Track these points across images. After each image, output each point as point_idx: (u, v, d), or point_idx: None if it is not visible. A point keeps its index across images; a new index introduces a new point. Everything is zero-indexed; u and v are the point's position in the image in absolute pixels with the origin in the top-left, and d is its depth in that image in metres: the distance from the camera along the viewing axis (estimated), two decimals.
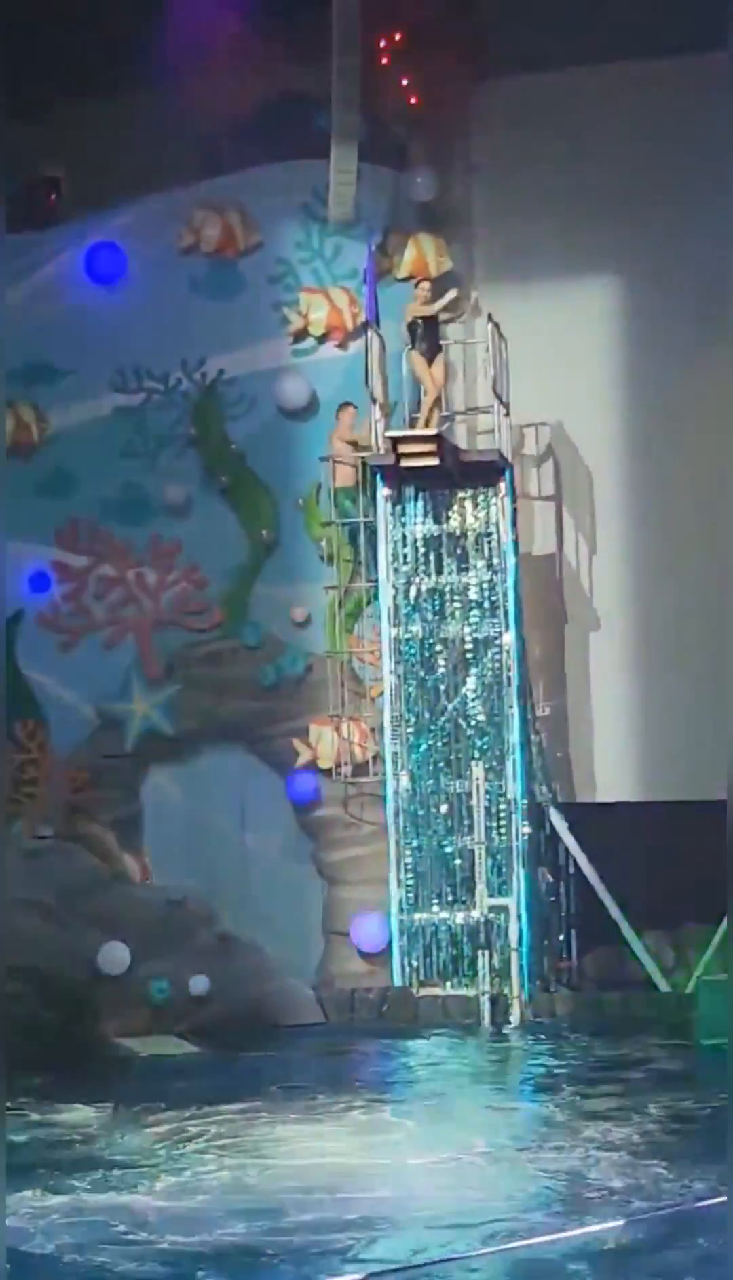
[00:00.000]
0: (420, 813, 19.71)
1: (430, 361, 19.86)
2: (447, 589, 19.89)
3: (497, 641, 19.73)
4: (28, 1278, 10.49)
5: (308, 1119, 14.56)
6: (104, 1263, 10.75)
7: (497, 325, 19.68)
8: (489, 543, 19.82)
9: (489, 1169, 12.81)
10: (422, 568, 19.87)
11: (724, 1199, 10.75)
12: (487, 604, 19.79)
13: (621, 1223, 10.95)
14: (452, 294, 20.09)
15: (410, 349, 19.93)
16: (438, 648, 19.86)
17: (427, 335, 19.85)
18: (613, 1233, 10.82)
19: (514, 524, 19.94)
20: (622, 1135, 13.52)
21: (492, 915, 19.23)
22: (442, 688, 19.83)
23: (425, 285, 19.93)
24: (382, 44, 20.46)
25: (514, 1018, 18.89)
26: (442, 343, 20.08)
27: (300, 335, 20.47)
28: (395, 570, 19.84)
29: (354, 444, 20.06)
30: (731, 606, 17.94)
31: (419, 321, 19.86)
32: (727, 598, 18.66)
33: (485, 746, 19.64)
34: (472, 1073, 16.78)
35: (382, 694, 19.90)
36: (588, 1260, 10.40)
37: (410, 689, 19.80)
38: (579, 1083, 15.73)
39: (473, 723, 19.75)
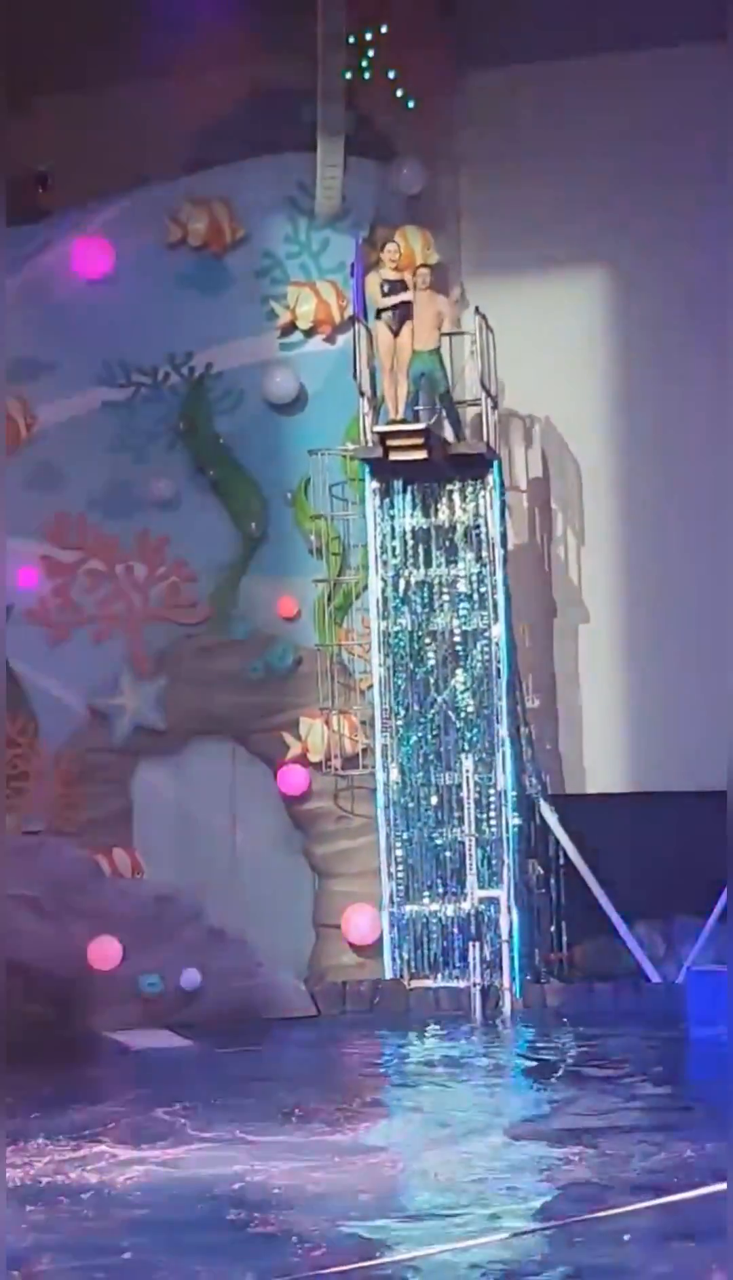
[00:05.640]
0: (411, 805, 19.71)
1: (396, 331, 19.42)
2: (436, 581, 19.87)
3: (486, 634, 19.70)
4: None
5: None
6: None
7: (484, 318, 19.65)
8: (478, 535, 19.79)
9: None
10: (410, 560, 19.86)
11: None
12: (476, 596, 19.76)
13: None
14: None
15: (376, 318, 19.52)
16: (427, 640, 19.84)
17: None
18: None
19: (503, 516, 19.92)
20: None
21: (482, 907, 19.22)
22: (431, 680, 19.81)
23: (391, 248, 19.69)
24: (368, 37, 20.39)
25: (505, 1009, 18.91)
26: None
27: (288, 329, 20.42)
28: (384, 563, 19.83)
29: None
30: (725, 598, 17.95)
31: (385, 286, 19.46)
32: (719, 588, 18.68)
33: (475, 739, 19.63)
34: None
35: (371, 687, 19.89)
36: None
37: (400, 681, 19.78)
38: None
39: (463, 715, 19.72)
